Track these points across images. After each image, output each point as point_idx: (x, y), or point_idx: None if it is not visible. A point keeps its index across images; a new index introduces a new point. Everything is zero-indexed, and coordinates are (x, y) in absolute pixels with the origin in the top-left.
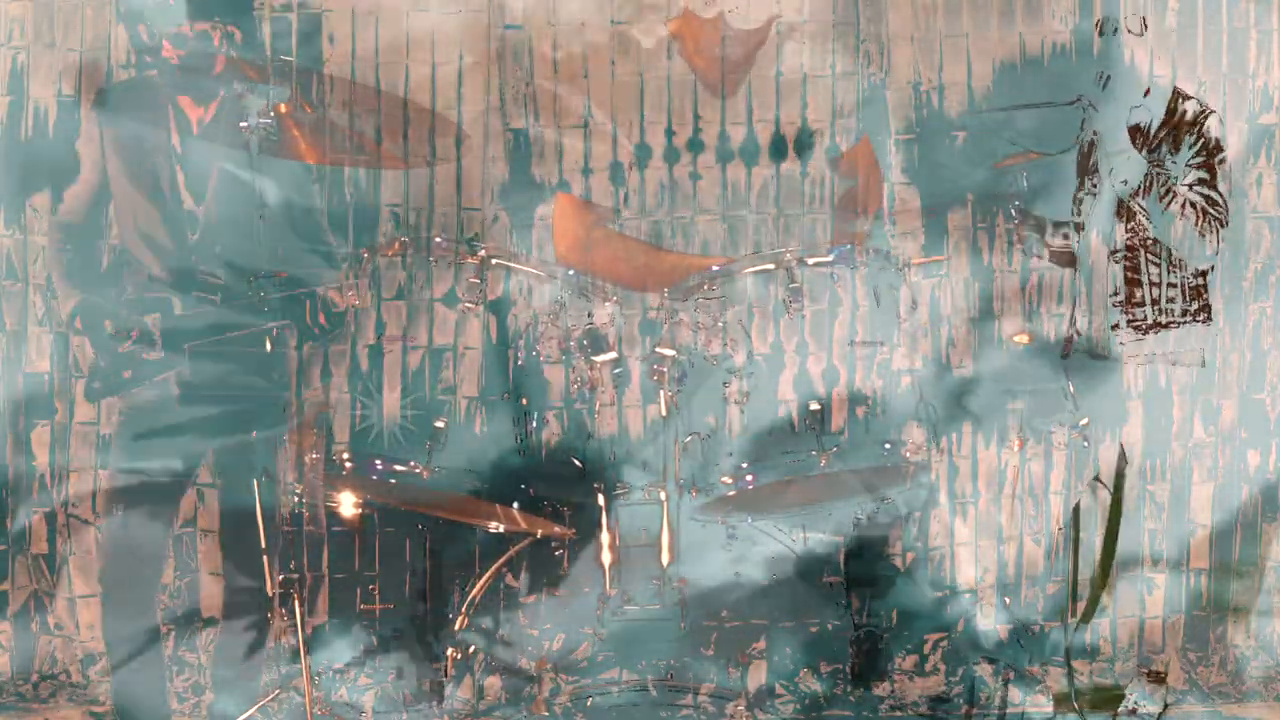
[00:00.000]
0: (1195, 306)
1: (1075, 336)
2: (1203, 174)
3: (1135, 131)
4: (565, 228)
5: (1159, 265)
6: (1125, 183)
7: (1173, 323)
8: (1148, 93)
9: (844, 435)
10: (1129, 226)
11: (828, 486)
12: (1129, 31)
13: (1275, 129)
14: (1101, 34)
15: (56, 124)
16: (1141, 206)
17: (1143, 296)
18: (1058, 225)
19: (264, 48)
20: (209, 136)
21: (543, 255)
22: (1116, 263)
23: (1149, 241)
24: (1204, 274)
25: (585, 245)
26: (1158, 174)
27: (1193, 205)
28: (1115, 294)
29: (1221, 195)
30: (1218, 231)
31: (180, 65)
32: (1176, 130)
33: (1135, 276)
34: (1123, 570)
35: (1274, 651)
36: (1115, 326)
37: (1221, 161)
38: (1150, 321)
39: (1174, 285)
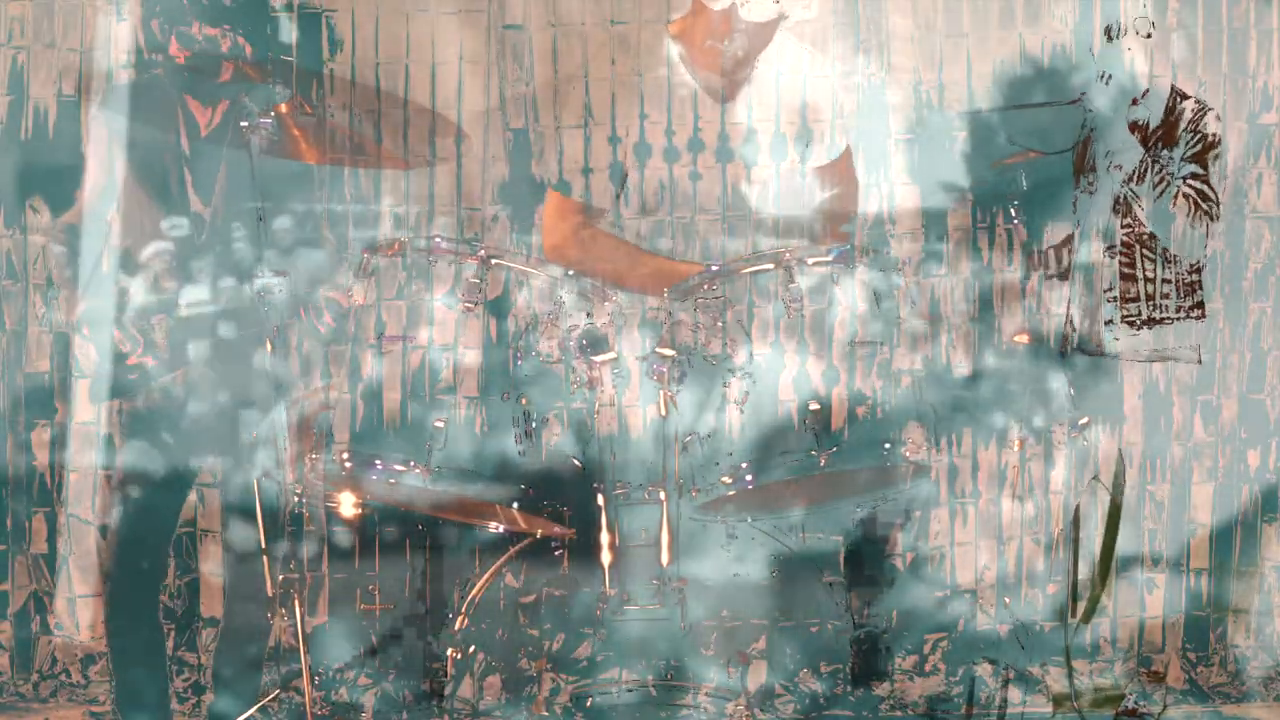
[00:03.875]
0: (1190, 303)
1: (1071, 333)
2: (1196, 168)
3: (1133, 128)
4: (553, 225)
5: (1154, 261)
6: (1119, 167)
7: (1167, 318)
8: (1145, 93)
9: (844, 435)
10: (1125, 222)
11: (828, 486)
12: (1137, 34)
13: (1275, 129)
14: (1110, 39)
15: (57, 124)
16: (1134, 192)
17: (1138, 292)
18: (1056, 249)
19: (273, 49)
20: (216, 140)
21: (543, 255)
22: (1112, 258)
23: (1145, 237)
24: (1199, 270)
25: (572, 244)
26: (1153, 162)
27: (1185, 197)
28: (1110, 289)
29: (1213, 190)
30: (1208, 225)
31: (186, 65)
32: (1174, 127)
33: (1130, 272)
34: (1123, 570)
35: (1274, 651)
36: (1109, 322)
37: (1216, 157)
38: (1145, 317)
39: (1169, 281)
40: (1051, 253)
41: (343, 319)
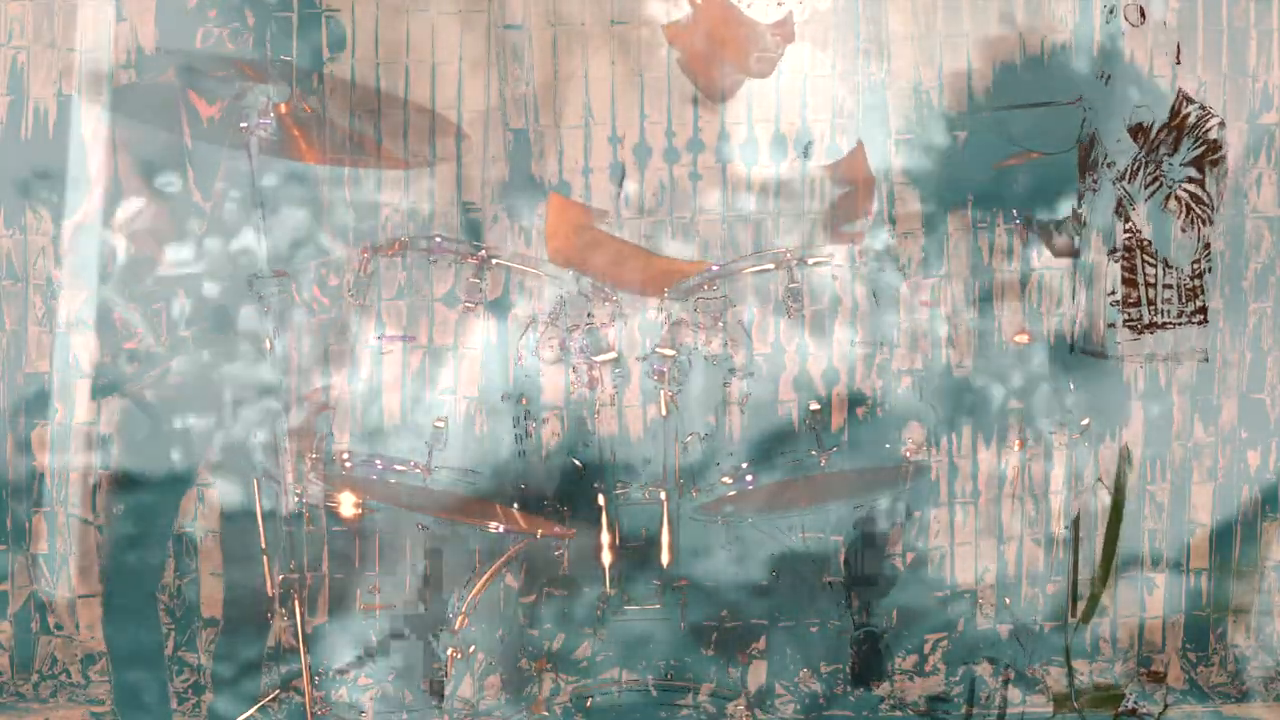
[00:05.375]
0: (1191, 308)
1: (1073, 335)
2: (1193, 171)
3: (1137, 130)
4: (556, 228)
5: (1155, 266)
6: (1112, 165)
7: (1168, 323)
8: (1145, 107)
9: (844, 435)
10: (1127, 226)
11: (828, 486)
12: (1126, 20)
13: (1275, 129)
14: (1107, 22)
15: (57, 124)
16: (1126, 191)
17: (1139, 296)
18: (1059, 225)
19: (273, 49)
20: (217, 136)
21: (543, 255)
22: (1115, 262)
23: (1145, 242)
24: (1201, 275)
25: (576, 247)
26: (1146, 162)
27: (1178, 199)
28: (1112, 293)
29: (1208, 194)
30: (1199, 230)
31: (191, 61)
32: (1178, 131)
33: (1132, 276)
34: (1123, 570)
35: (1274, 651)
36: (1112, 325)
37: (1215, 163)
38: (1146, 321)
39: (1170, 286)
40: (1053, 228)
41: (335, 301)
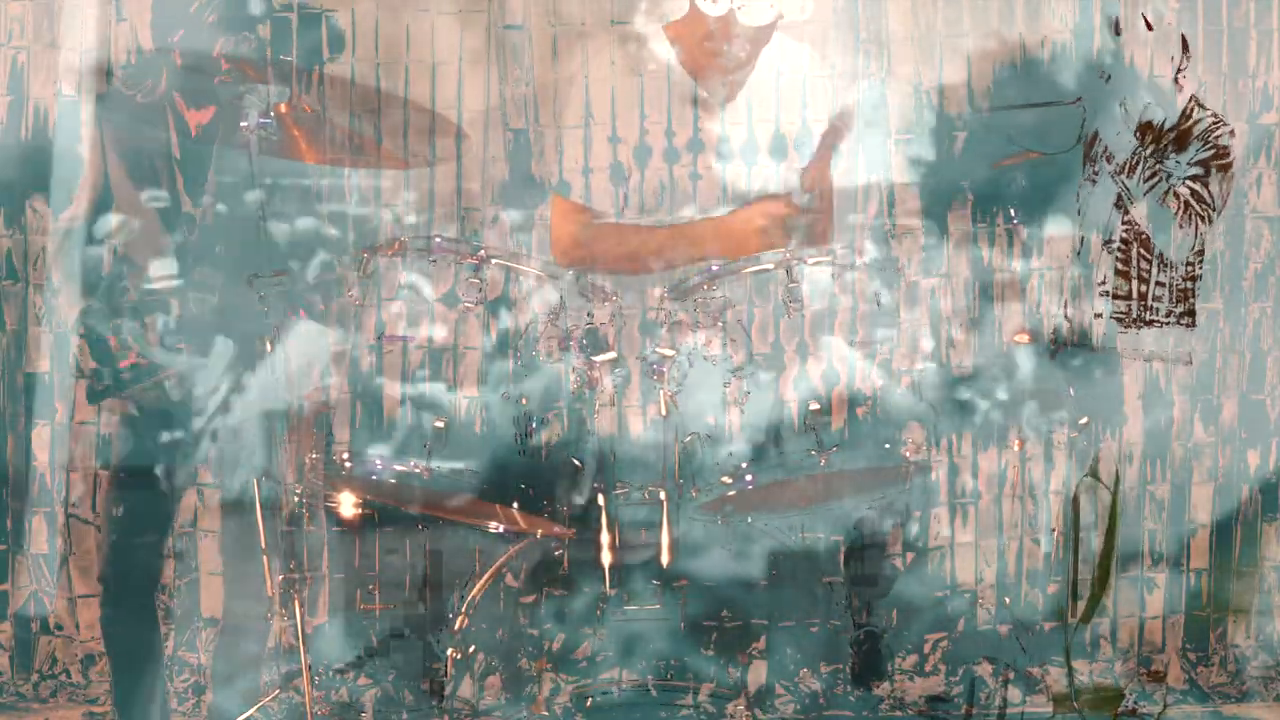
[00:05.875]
0: (1181, 309)
1: (1066, 330)
2: (1198, 170)
3: (1147, 128)
4: (563, 230)
5: (1150, 262)
6: (1110, 158)
7: (1157, 322)
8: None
9: (844, 435)
10: (1125, 219)
11: (828, 486)
12: (1113, 32)
13: (1275, 129)
14: (1117, 34)
15: (57, 124)
16: (1125, 185)
17: (1130, 291)
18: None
19: (288, 48)
20: (206, 141)
21: (543, 255)
22: (1110, 253)
23: (1143, 237)
24: (1194, 278)
25: (582, 243)
26: (1146, 156)
27: (1176, 195)
28: (1103, 283)
29: (1210, 194)
30: (1197, 226)
31: (187, 65)
32: (1187, 134)
33: (1125, 270)
34: (1123, 570)
35: (1274, 651)
36: (1098, 316)
37: (1223, 168)
38: (1134, 316)
39: (1162, 284)
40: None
41: (335, 300)
